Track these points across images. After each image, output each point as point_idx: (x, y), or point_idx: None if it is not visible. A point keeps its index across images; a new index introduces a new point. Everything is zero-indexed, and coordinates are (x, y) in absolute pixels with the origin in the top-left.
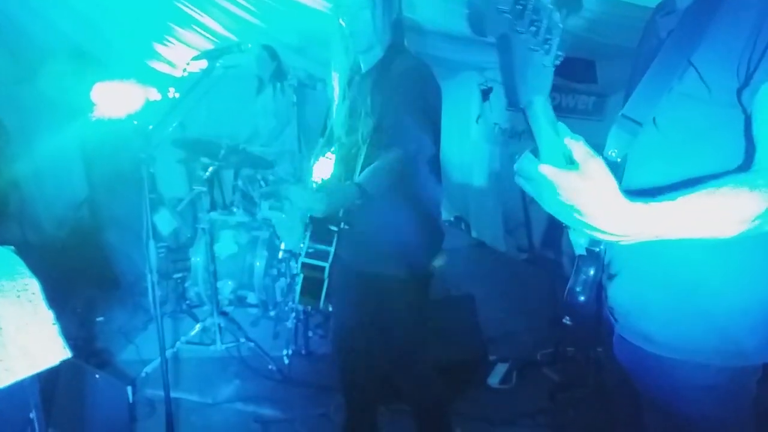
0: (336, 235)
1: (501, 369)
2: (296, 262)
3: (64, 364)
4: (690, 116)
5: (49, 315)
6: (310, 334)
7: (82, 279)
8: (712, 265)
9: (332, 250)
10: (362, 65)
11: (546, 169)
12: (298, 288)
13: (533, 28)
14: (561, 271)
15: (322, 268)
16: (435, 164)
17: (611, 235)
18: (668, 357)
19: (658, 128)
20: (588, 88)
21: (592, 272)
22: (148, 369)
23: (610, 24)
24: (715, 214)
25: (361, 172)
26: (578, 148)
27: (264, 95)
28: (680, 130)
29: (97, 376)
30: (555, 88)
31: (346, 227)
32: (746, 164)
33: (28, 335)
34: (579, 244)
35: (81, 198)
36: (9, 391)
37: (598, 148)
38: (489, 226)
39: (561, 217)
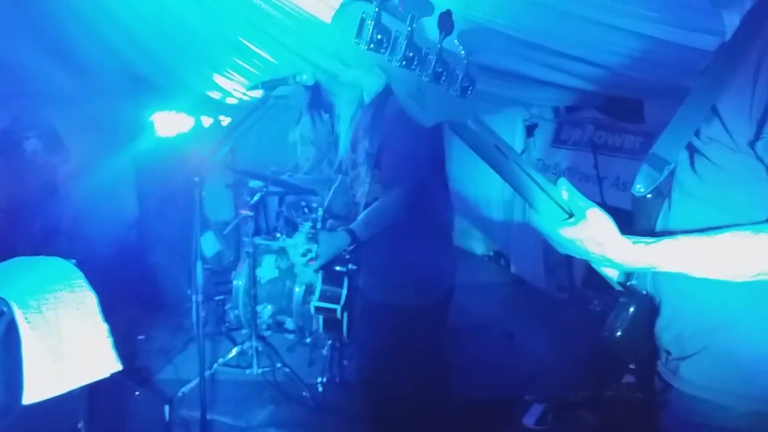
0: (345, 276)
1: (537, 409)
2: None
3: (107, 378)
4: (721, 161)
5: (104, 328)
6: (345, 362)
7: (125, 297)
8: (746, 305)
9: (343, 291)
10: (365, 98)
11: (551, 225)
12: (320, 324)
13: (406, 61)
14: (602, 312)
15: (334, 310)
16: (442, 193)
17: (620, 265)
18: (692, 395)
19: (695, 170)
20: (635, 127)
21: (632, 309)
22: (185, 389)
23: (657, 63)
24: (717, 257)
25: (365, 208)
26: (575, 199)
27: (303, 125)
28: (713, 174)
29: (137, 393)
30: (601, 126)
31: (354, 267)
32: None
33: (84, 346)
34: (612, 279)
35: (132, 218)
36: (61, 400)
37: None
38: (529, 263)
39: (579, 256)
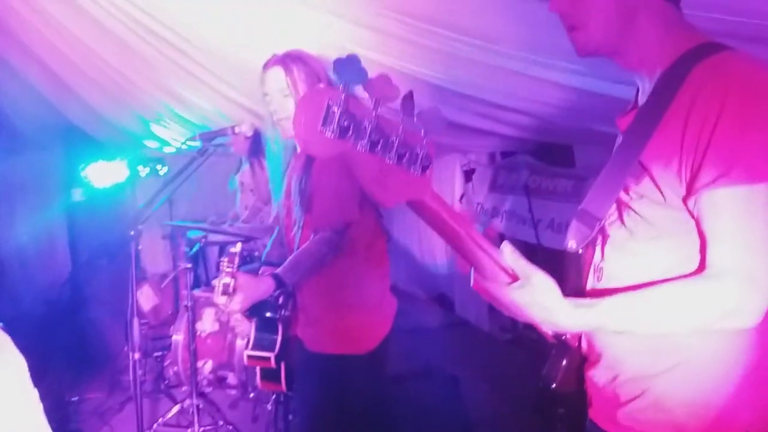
0: (279, 322)
1: None
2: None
3: None
4: (650, 216)
5: (33, 395)
6: (290, 417)
7: (57, 357)
8: (682, 352)
9: (278, 337)
10: (298, 146)
11: (497, 289)
12: (258, 375)
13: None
14: (544, 353)
15: (268, 359)
16: (378, 237)
17: (560, 329)
18: None
19: (624, 225)
20: (567, 171)
21: (564, 362)
22: None
23: (583, 112)
24: (655, 314)
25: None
26: (520, 265)
27: (243, 172)
28: (643, 229)
29: None
30: (535, 171)
31: (287, 313)
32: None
33: (10, 417)
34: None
35: (64, 276)
36: None
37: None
38: (473, 304)
39: (523, 319)
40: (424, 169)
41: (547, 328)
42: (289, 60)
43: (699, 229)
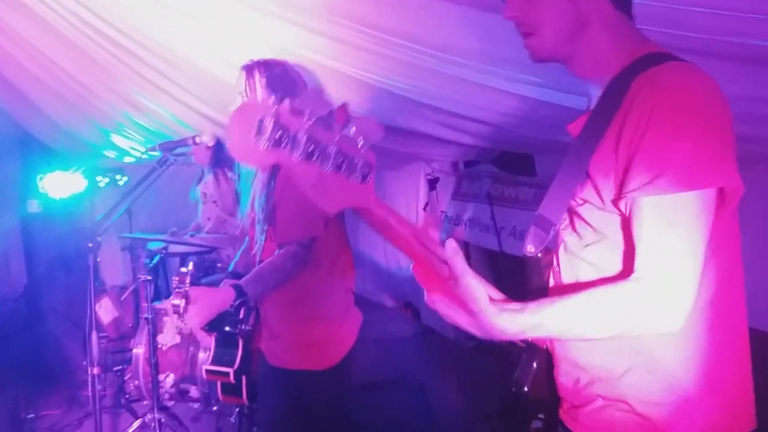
0: (240, 336)
1: None
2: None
3: None
4: (593, 221)
5: None
6: (255, 429)
7: (12, 372)
8: (631, 357)
9: (238, 351)
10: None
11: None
12: (218, 389)
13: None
14: (509, 358)
15: (227, 374)
16: (342, 250)
17: (485, 335)
18: None
19: (576, 231)
20: (528, 180)
21: (535, 364)
22: None
23: (542, 122)
24: (579, 319)
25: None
26: (456, 262)
27: (206, 183)
28: (588, 234)
29: None
30: (497, 180)
31: (248, 328)
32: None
33: None
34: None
35: (20, 289)
36: None
37: None
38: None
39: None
40: (365, 177)
41: (474, 333)
42: (255, 66)
43: (626, 235)
